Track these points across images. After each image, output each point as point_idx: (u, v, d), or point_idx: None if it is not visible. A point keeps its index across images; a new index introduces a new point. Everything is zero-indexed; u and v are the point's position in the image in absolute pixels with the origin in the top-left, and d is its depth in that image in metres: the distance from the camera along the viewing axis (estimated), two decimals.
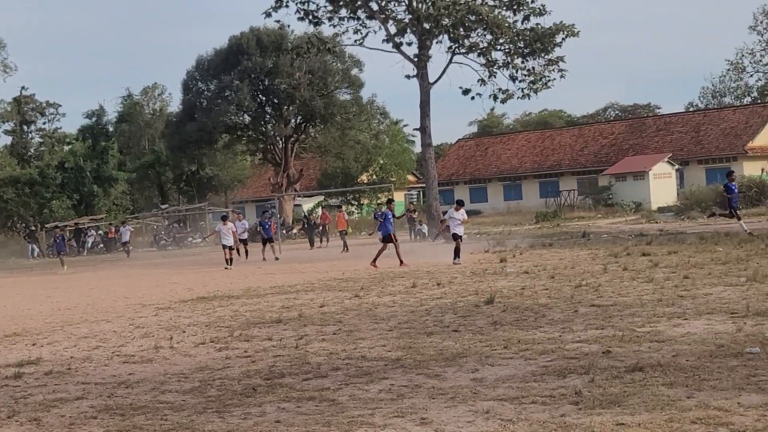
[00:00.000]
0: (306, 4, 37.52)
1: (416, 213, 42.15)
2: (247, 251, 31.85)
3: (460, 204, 23.21)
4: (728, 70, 75.92)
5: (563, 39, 36.14)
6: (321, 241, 40.50)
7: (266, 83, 56.25)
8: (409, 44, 37.09)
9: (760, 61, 73.51)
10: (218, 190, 68.99)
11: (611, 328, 9.96)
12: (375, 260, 22.28)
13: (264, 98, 57.81)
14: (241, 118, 58.41)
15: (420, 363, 8.70)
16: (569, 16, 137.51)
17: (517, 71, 36.89)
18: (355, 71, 57.90)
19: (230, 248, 27.25)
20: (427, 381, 7.86)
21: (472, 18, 35.55)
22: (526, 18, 36.23)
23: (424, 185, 44.25)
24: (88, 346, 11.52)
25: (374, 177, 61.63)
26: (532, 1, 36.18)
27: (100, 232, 56.41)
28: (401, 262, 22.09)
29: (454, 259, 21.42)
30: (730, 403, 6.39)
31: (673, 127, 59.86)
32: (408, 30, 36.72)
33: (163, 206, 62.21)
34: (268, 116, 59.33)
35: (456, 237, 22.17)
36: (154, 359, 10.14)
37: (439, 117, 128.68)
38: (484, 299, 13.21)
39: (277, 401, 7.47)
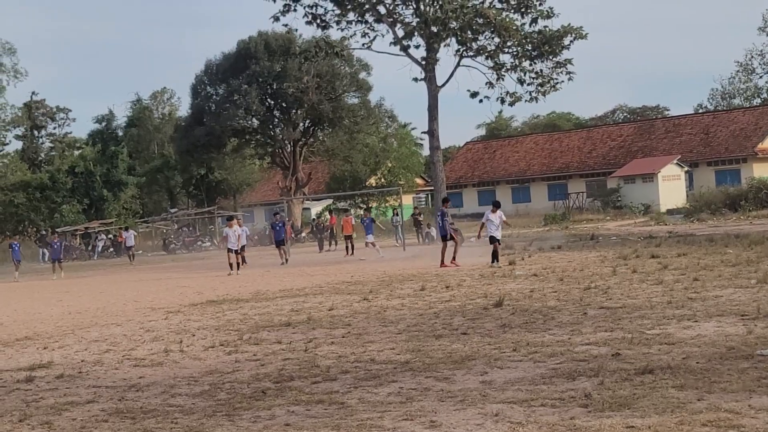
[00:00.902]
0: (314, 8, 37.68)
1: (422, 216, 42.17)
2: (244, 258, 29.98)
3: (496, 206, 22.10)
4: (737, 71, 75.90)
5: (571, 42, 36.16)
6: (330, 244, 40.54)
7: (274, 87, 56.35)
8: (417, 47, 37.18)
9: None
10: (227, 193, 69.12)
11: (620, 331, 9.93)
12: (453, 258, 22.14)
13: (272, 102, 57.96)
14: (249, 122, 58.54)
15: (429, 366, 8.70)
16: (577, 18, 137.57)
17: (525, 74, 36.93)
18: (363, 75, 58.13)
19: (236, 252, 26.80)
20: (436, 384, 7.86)
21: (480, 21, 35.58)
22: (534, 21, 36.25)
23: (432, 188, 44.29)
24: (98, 350, 11.56)
25: (383, 180, 61.60)
26: (540, 4, 36.20)
27: (110, 236, 56.58)
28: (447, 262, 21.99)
29: (492, 262, 20.95)
30: (741, 405, 6.36)
31: (682, 128, 59.59)
32: (416, 33, 36.75)
33: (172, 210, 62.41)
34: (276, 120, 59.46)
35: (493, 240, 21.36)
36: (164, 363, 10.17)
37: (447, 120, 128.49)
38: (492, 302, 13.21)
39: (287, 404, 7.48)
